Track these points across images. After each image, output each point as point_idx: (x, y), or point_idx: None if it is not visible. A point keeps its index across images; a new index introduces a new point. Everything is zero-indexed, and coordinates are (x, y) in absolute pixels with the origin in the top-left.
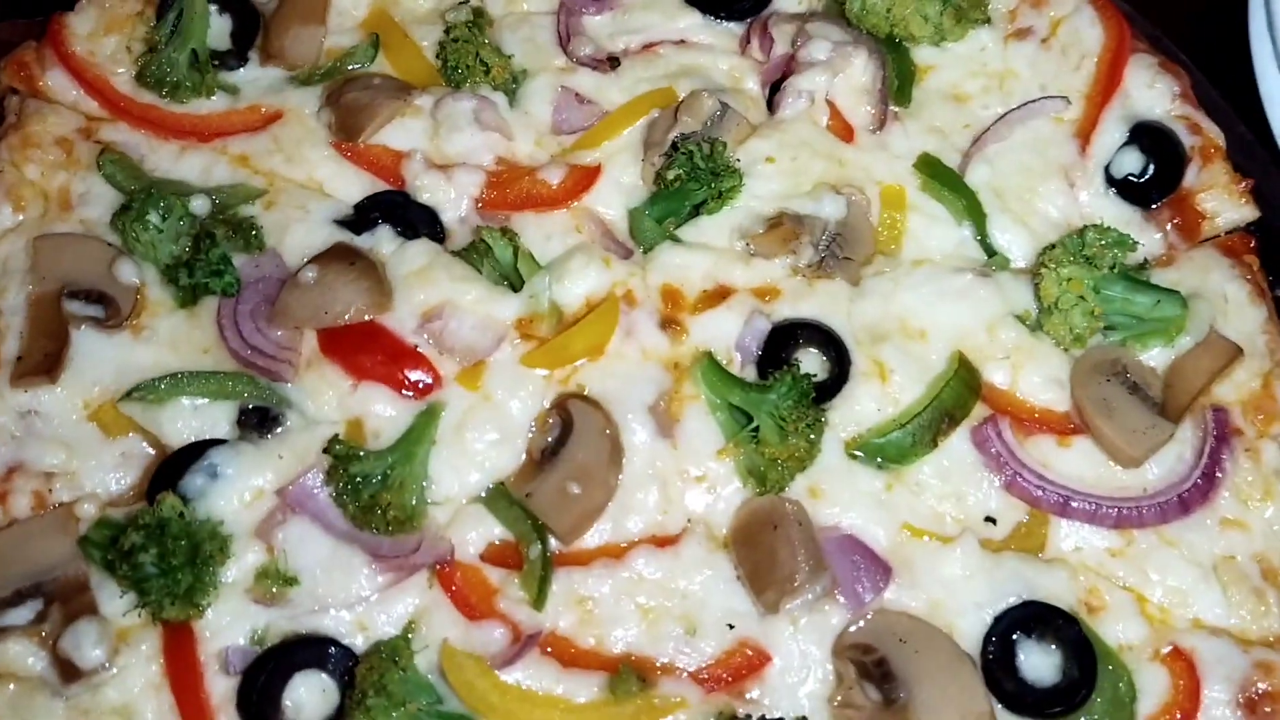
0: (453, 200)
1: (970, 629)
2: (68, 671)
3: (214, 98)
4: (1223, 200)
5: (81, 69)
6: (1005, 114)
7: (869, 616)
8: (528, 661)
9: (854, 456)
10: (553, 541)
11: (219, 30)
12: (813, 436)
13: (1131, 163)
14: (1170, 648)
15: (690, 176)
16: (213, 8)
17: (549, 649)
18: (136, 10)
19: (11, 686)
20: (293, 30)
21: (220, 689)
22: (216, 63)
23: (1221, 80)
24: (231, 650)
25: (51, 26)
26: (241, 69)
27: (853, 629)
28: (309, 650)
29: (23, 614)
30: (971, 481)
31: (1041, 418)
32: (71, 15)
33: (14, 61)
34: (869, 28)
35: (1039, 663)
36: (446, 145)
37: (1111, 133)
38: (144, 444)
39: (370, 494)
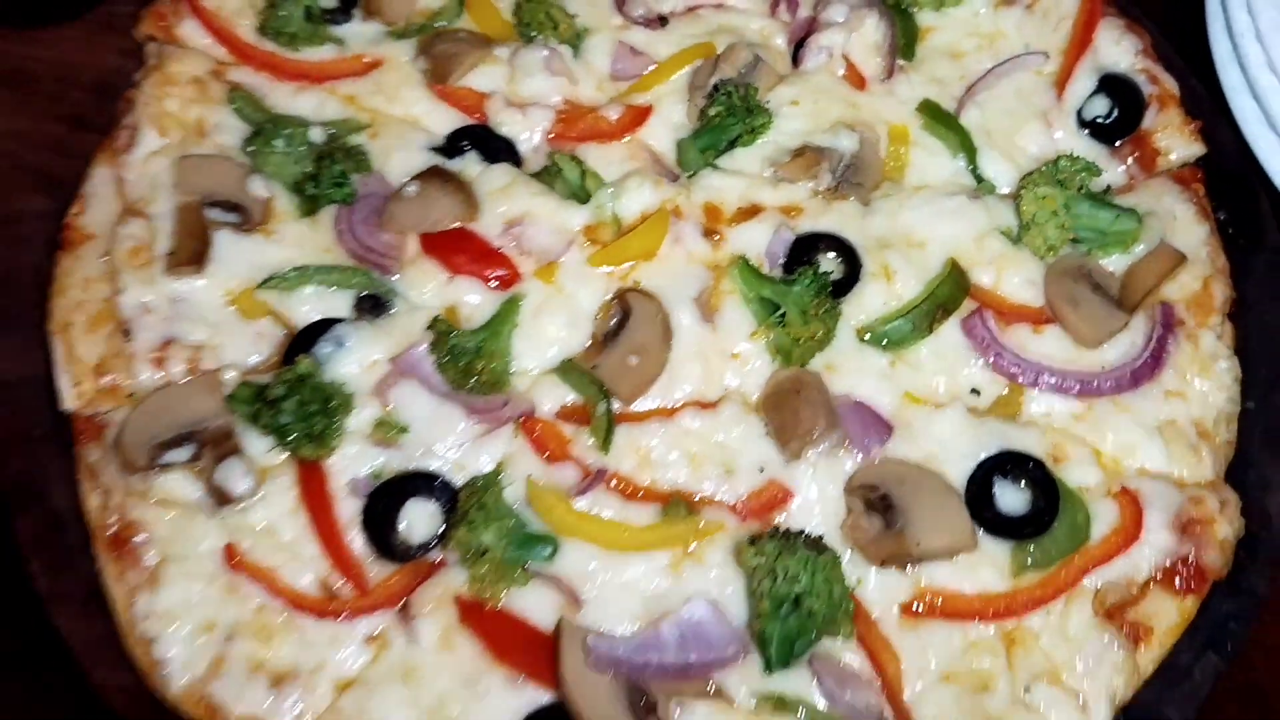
0: (528, 133)
1: (958, 474)
2: (220, 498)
3: (324, 47)
4: (1175, 139)
5: (211, 20)
6: (994, 67)
7: (875, 463)
8: (596, 494)
9: (863, 340)
10: (615, 404)
11: None
12: (830, 323)
13: (1099, 107)
14: (1120, 488)
15: (728, 113)
16: None
17: (613, 485)
18: None
19: (174, 512)
20: None
21: (347, 512)
22: (327, 18)
23: (1179, 42)
24: (357, 479)
25: None
26: (347, 24)
27: (858, 470)
28: (418, 482)
29: (180, 454)
30: (961, 361)
31: (1019, 311)
32: None
33: (154, 13)
34: None
35: (1012, 498)
36: (522, 88)
37: (1083, 82)
38: (276, 326)
39: (466, 362)
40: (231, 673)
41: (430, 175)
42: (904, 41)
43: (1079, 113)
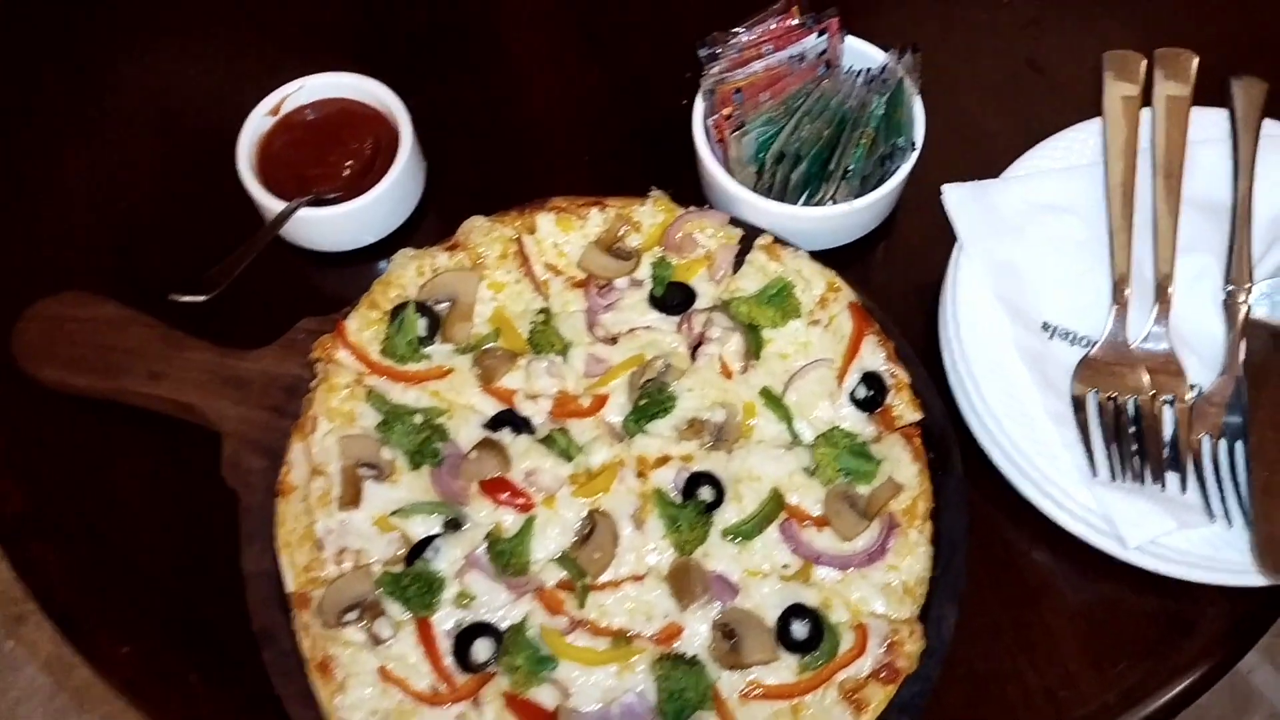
0: (538, 414)
1: (771, 616)
2: (375, 640)
3: (420, 362)
4: (905, 408)
5: (354, 347)
6: (804, 366)
7: (727, 610)
8: (578, 633)
9: (724, 538)
10: (587, 579)
11: (420, 326)
12: (705, 530)
13: (861, 392)
14: (858, 623)
15: (651, 400)
16: (420, 319)
17: (586, 627)
18: (379, 319)
19: (351, 649)
20: (456, 326)
21: (444, 645)
22: (420, 343)
23: (917, 346)
24: (449, 627)
25: (340, 325)
26: (432, 346)
27: (719, 615)
28: (482, 628)
29: (352, 616)
30: (777, 549)
31: (810, 518)
32: (349, 321)
33: (320, 344)
34: (741, 318)
35: (799, 630)
36: (534, 385)
37: (853, 376)
38: (400, 536)
39: (505, 559)
40: None
41: (483, 444)
42: (754, 348)
43: (851, 394)
